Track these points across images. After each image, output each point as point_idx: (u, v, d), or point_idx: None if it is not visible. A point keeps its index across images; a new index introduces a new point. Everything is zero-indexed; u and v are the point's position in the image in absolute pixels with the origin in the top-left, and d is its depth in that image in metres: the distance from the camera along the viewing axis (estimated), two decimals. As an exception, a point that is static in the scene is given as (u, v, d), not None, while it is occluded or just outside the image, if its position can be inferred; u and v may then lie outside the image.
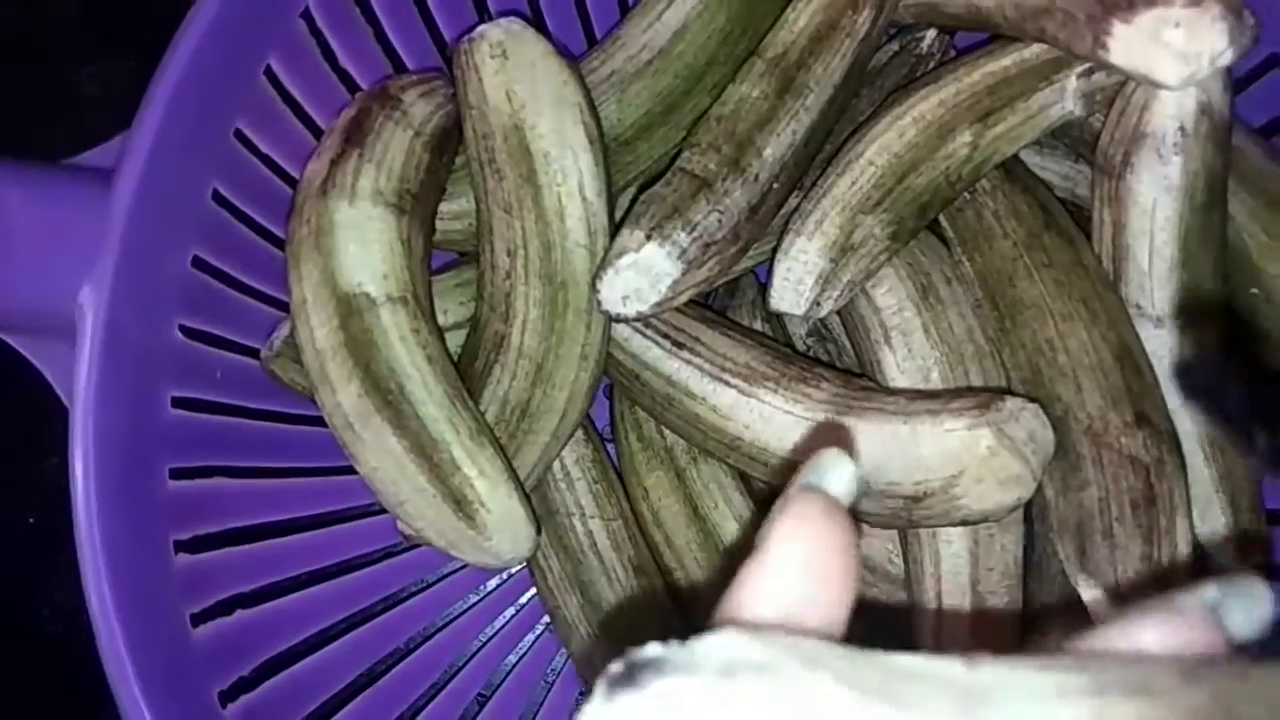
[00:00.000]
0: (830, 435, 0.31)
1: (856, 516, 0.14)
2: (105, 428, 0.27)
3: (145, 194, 0.28)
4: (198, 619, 0.31)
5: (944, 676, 0.12)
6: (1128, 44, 0.28)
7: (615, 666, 0.11)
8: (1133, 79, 0.30)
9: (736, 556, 0.14)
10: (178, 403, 0.32)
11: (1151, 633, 0.14)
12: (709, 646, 0.11)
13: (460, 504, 0.31)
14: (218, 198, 0.33)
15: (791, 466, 0.33)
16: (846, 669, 0.11)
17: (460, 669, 0.40)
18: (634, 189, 0.38)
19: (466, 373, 0.34)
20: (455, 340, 0.36)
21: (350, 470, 0.33)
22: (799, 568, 0.14)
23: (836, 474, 0.16)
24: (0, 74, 0.47)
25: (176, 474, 0.31)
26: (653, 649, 0.11)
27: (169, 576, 0.30)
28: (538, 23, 0.38)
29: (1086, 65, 0.33)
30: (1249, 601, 0.14)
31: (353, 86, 0.37)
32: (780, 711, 0.11)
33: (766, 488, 0.38)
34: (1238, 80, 0.33)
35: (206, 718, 0.30)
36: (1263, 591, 0.15)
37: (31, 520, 0.43)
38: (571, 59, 0.34)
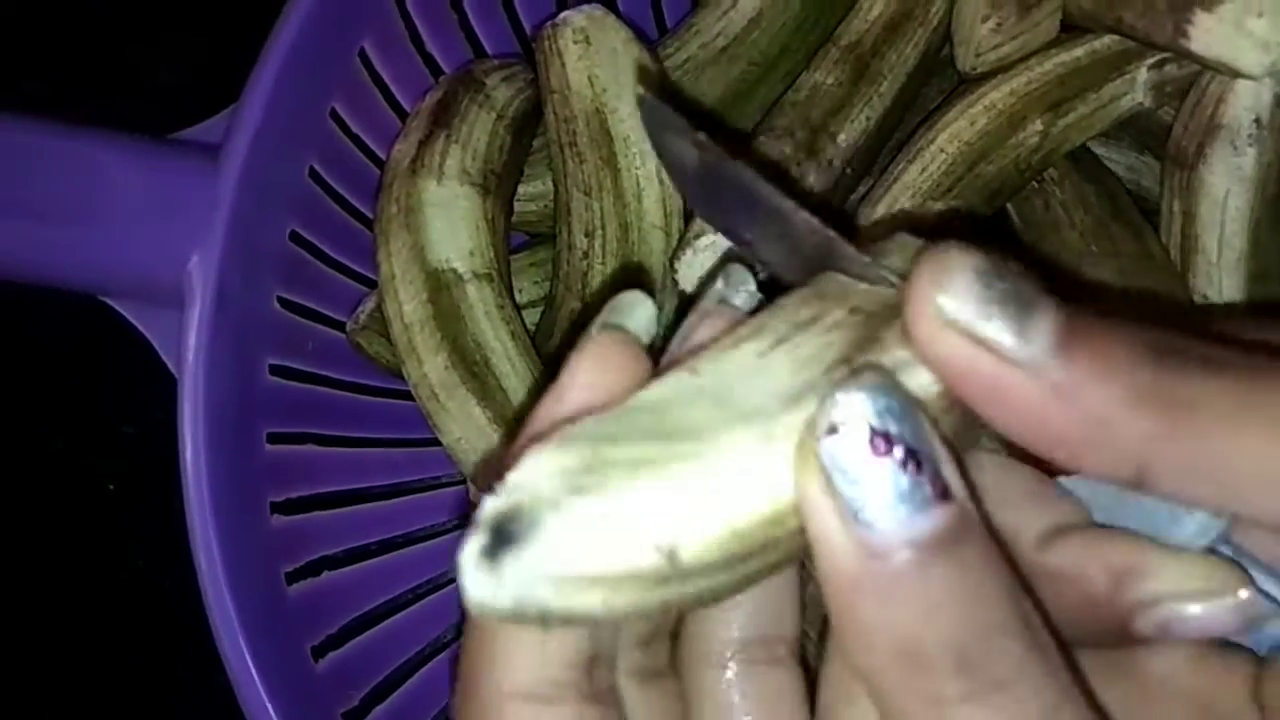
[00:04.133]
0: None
1: (656, 357, 0.16)
2: (213, 389, 0.29)
3: (252, 168, 0.30)
4: (291, 577, 0.32)
5: (658, 407, 0.14)
6: (1209, 32, 0.28)
7: (479, 540, 0.12)
8: (1212, 69, 0.30)
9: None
10: (274, 370, 0.33)
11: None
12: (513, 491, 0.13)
13: (540, 474, 0.32)
14: (313, 175, 0.34)
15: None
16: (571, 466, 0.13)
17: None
18: (705, 174, 0.39)
19: (542, 350, 0.35)
20: (529, 319, 0.37)
21: (427, 442, 0.34)
22: (585, 387, 0.14)
23: (634, 313, 0.16)
24: (71, 54, 0.48)
25: (273, 438, 0.32)
26: (488, 507, 0.13)
27: (267, 535, 0.31)
28: (613, 8, 0.39)
29: (1158, 57, 0.34)
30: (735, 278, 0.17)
31: (435, 70, 0.38)
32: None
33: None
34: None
35: (302, 674, 0.31)
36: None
37: (112, 487, 0.45)
38: (650, 45, 0.35)
